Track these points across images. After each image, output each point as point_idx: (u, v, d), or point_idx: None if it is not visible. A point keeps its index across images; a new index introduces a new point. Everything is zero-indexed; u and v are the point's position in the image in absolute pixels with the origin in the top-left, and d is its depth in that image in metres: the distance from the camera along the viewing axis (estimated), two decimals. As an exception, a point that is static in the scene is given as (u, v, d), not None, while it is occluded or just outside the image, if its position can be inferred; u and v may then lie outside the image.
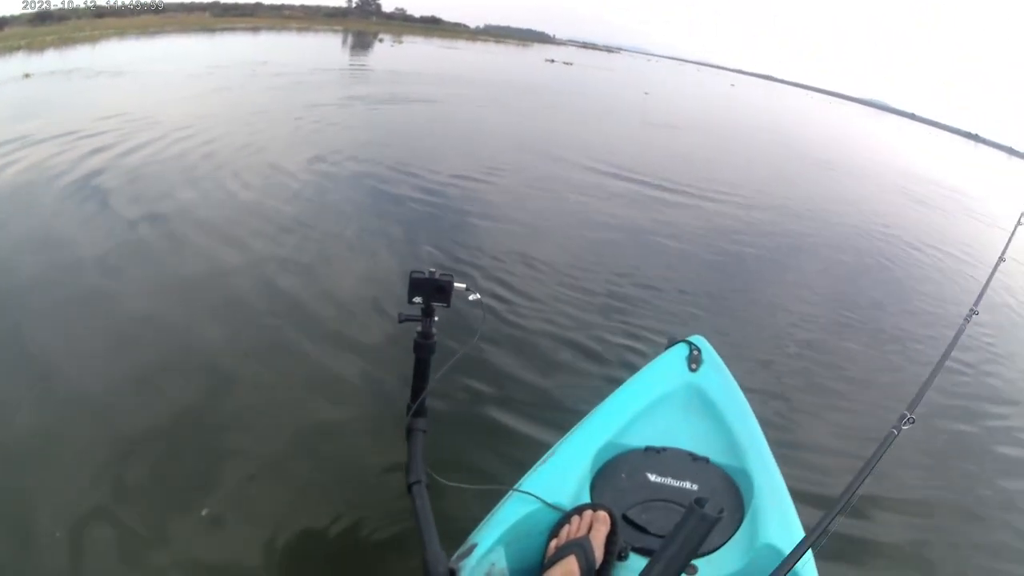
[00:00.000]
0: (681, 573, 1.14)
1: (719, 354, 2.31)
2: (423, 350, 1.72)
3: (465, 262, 4.61)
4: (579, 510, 1.56)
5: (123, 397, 2.72)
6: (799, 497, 1.77)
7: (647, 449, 1.89)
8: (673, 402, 2.10)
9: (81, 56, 19.20)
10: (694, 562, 1.54)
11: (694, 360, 2.23)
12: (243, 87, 13.50)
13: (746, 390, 2.17)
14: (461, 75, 20.75)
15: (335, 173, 6.81)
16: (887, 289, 5.91)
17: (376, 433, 2.58)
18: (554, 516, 1.58)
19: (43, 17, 30.52)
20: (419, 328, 1.70)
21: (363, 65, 22.36)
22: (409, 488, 1.53)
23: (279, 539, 2.08)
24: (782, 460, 1.90)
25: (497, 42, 54.83)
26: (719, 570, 1.56)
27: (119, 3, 34.00)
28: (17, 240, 4.20)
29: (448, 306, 1.67)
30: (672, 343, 2.35)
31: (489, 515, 1.61)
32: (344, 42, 33.78)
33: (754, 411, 2.08)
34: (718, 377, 2.21)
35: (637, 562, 1.53)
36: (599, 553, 1.46)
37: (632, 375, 2.24)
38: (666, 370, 2.23)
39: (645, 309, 4.23)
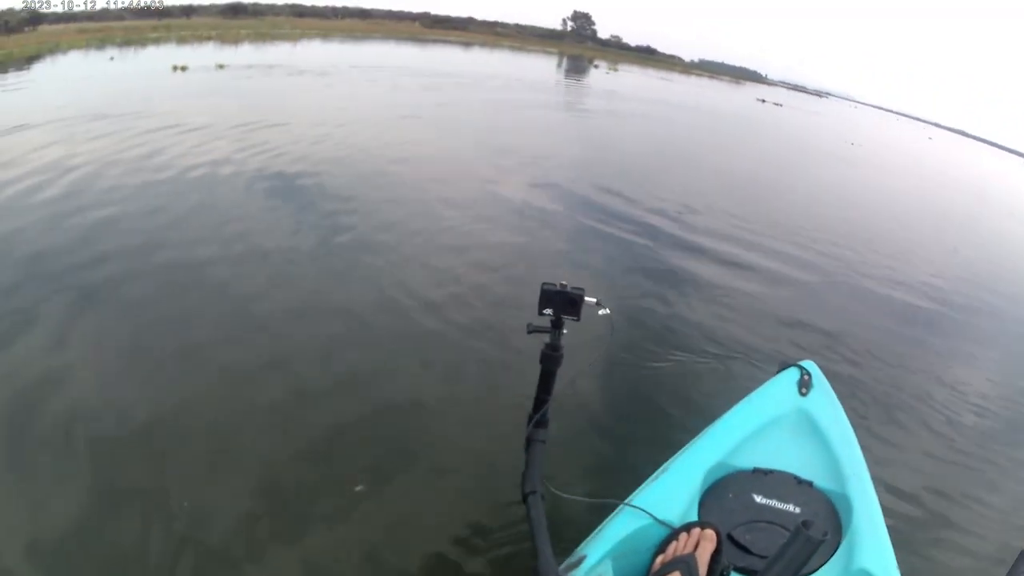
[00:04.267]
0: None
1: (829, 381, 2.32)
2: (550, 362, 1.70)
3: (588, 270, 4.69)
4: (687, 527, 1.53)
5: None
6: (895, 525, 1.81)
7: (755, 471, 1.86)
8: (782, 425, 2.09)
9: (280, 53, 18.76)
10: None
11: (804, 385, 2.24)
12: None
13: (854, 418, 2.16)
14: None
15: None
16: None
17: (498, 442, 2.45)
18: (662, 532, 1.56)
19: (236, 10, 31.20)
20: (547, 340, 1.69)
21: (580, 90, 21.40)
22: (524, 498, 1.56)
23: (398, 537, 2.07)
24: (879, 485, 1.91)
25: (710, 77, 54.33)
26: None
27: (322, 4, 34.55)
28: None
29: (578, 319, 1.64)
30: (783, 367, 2.37)
31: (599, 528, 1.61)
32: (559, 65, 33.36)
33: (859, 439, 2.05)
34: (827, 403, 2.20)
35: None
36: (703, 571, 1.40)
37: (744, 397, 2.22)
38: (777, 394, 2.23)
39: (761, 335, 4.14)
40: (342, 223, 4.65)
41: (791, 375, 2.29)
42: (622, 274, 4.74)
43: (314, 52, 20.24)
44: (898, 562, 1.58)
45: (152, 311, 3.19)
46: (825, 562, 1.58)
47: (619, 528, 1.55)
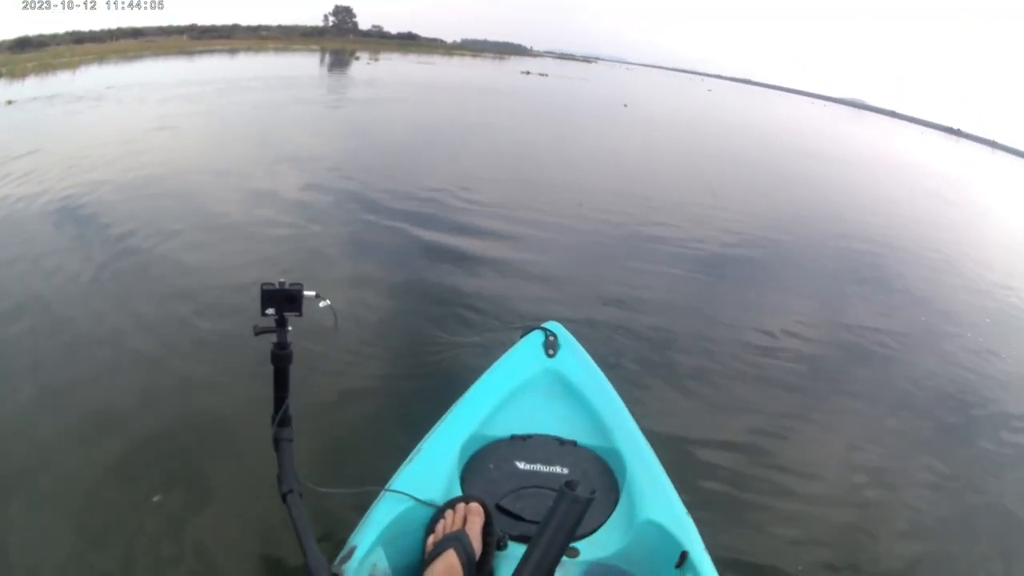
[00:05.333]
0: (561, 556, 1.19)
1: (577, 338, 2.37)
2: (281, 360, 1.76)
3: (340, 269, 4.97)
4: (451, 504, 1.60)
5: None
6: (673, 471, 1.87)
7: (512, 438, 1.95)
8: (534, 389, 2.17)
9: (62, 82, 19.60)
10: (575, 544, 1.60)
11: (551, 346, 2.29)
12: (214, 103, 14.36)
13: (609, 370, 2.29)
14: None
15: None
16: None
17: (244, 445, 2.67)
18: (428, 512, 1.62)
19: (23, 44, 31.32)
20: (275, 339, 1.73)
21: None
22: (283, 498, 1.60)
23: (186, 545, 2.21)
24: (653, 437, 2.00)
25: (474, 56, 54.48)
26: (601, 550, 1.60)
27: (97, 29, 34.66)
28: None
29: (300, 315, 1.69)
30: (526, 331, 2.41)
31: (365, 517, 1.66)
32: (321, 61, 33.44)
33: (619, 391, 2.18)
34: (577, 361, 2.27)
35: (517, 550, 1.54)
36: (477, 544, 1.48)
37: (489, 366, 2.29)
38: (523, 358, 2.28)
39: (499, 300, 4.48)
40: (110, 247, 4.80)
41: (535, 338, 2.33)
42: (379, 261, 5.03)
43: (91, 77, 21.43)
44: (687, 509, 1.68)
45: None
46: (607, 518, 1.69)
47: (384, 514, 1.59)
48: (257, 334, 1.71)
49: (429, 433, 2.01)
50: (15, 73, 22.64)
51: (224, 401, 3.00)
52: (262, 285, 1.65)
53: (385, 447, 2.45)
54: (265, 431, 1.84)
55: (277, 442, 1.76)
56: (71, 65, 25.88)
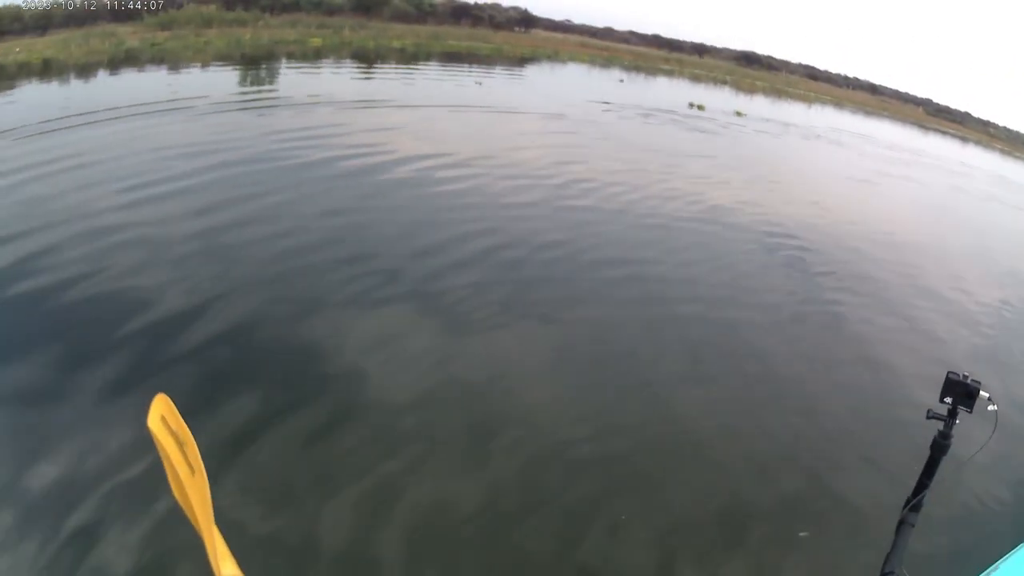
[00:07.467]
0: None
1: None
2: (939, 450, 1.66)
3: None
4: None
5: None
6: None
7: None
8: None
9: (795, 112, 18.84)
10: None
11: None
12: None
13: None
14: None
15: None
16: None
17: (860, 511, 2.66)
18: None
19: (749, 59, 31.87)
20: (940, 427, 1.65)
21: None
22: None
23: None
24: None
25: None
26: None
27: (834, 71, 33.88)
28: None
29: (971, 412, 1.59)
30: None
31: None
32: None
33: None
34: None
35: None
36: None
37: None
38: None
39: None
40: (825, 296, 4.89)
41: None
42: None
43: (827, 119, 19.92)
44: None
45: (625, 339, 3.56)
46: None
47: None
48: (929, 418, 1.64)
49: (1016, 548, 1.91)
50: (741, 86, 23.14)
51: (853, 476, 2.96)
52: (948, 373, 1.60)
53: (967, 550, 2.47)
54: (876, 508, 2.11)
55: (901, 524, 1.69)
56: (804, 99, 24.80)
